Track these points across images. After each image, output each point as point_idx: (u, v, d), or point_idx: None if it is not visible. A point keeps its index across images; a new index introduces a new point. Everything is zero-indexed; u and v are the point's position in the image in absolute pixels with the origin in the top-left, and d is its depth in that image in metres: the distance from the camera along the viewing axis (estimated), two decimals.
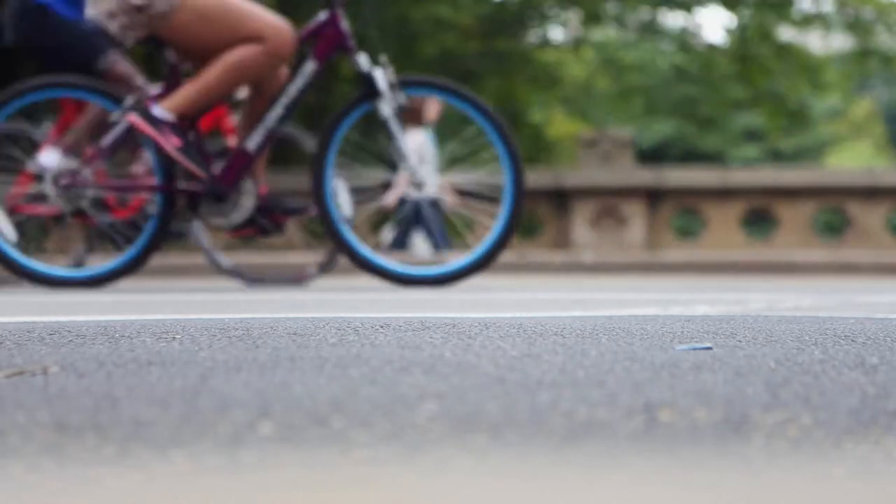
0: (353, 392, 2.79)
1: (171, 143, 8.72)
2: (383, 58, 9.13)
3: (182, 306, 7.41)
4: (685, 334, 3.99)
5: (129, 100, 8.85)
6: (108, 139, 8.95)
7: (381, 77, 9.04)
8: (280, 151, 22.88)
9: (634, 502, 2.02)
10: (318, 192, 9.15)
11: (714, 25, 62.17)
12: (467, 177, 11.25)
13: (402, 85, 9.06)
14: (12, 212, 9.48)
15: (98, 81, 9.06)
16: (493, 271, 13.69)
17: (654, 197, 18.09)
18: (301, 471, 2.21)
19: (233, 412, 2.59)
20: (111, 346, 3.70)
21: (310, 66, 9.13)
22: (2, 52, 18.44)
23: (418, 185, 9.70)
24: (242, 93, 9.48)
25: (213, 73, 8.72)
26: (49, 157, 9.12)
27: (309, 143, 10.37)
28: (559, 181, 18.08)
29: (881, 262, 14.52)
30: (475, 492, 2.07)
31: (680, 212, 18.93)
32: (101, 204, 9.38)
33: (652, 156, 37.78)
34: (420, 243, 15.96)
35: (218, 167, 9.02)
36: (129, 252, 9.37)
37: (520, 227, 18.40)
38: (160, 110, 8.74)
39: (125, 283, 9.96)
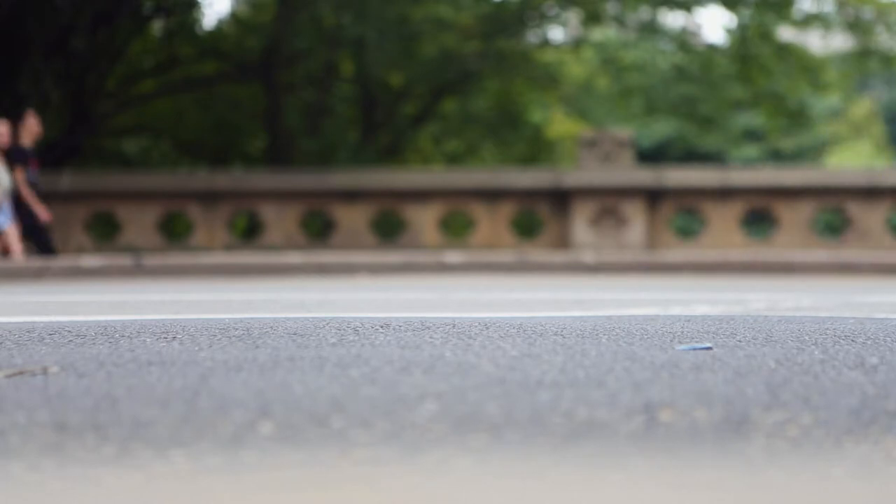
0: (353, 392, 2.79)
1: None
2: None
3: (182, 306, 7.41)
4: (685, 334, 3.99)
5: None
6: None
7: None
8: (281, 151, 22.89)
9: (634, 502, 2.02)
10: None
11: (714, 25, 62.15)
12: None
13: None
14: None
15: None
16: (494, 271, 13.68)
17: (654, 197, 18.07)
18: (301, 471, 2.21)
19: (233, 412, 2.59)
20: (111, 346, 3.70)
21: None
22: (4, 44, 18.45)
23: None
24: None
25: None
26: None
27: None
28: (559, 181, 18.06)
29: (881, 262, 14.51)
30: (475, 492, 2.07)
31: (680, 212, 18.91)
32: None
33: (652, 156, 37.71)
34: None
35: None
36: None
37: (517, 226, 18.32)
38: None
39: (125, 283, 9.95)
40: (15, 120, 14.60)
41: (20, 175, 13.97)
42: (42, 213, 14.00)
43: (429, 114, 26.24)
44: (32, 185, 14.14)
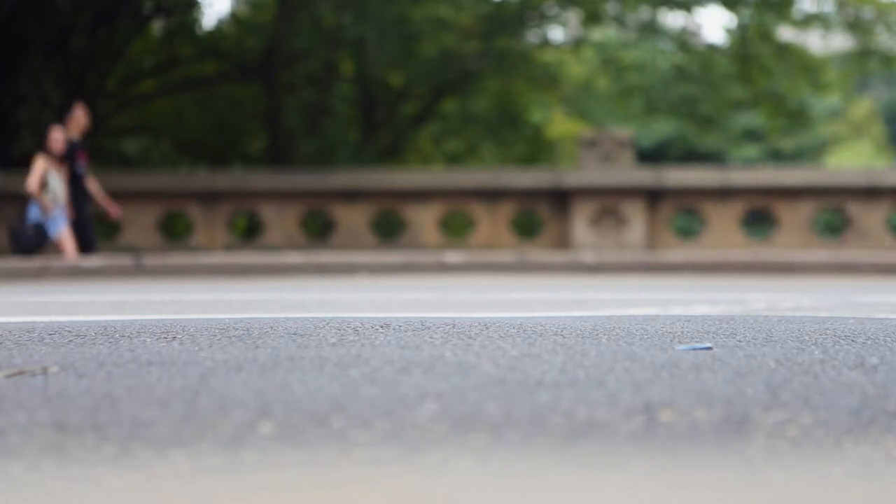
0: (353, 392, 2.79)
1: None
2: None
3: (182, 306, 7.41)
4: (685, 334, 3.99)
5: None
6: None
7: None
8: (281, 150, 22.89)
9: (634, 502, 2.02)
10: None
11: (714, 25, 62.21)
12: None
13: None
14: None
15: None
16: (494, 271, 13.68)
17: (654, 197, 18.07)
18: (301, 471, 2.21)
19: (233, 412, 2.59)
20: (111, 346, 3.70)
21: None
22: (4, 44, 18.46)
23: None
24: None
25: None
26: None
27: None
28: (559, 181, 18.06)
29: (881, 262, 14.51)
30: (475, 492, 2.07)
31: (680, 212, 18.91)
32: None
33: (652, 156, 37.70)
34: None
35: None
36: None
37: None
38: None
39: (125, 283, 9.95)
40: (61, 119, 14.89)
41: (65, 171, 14.12)
42: (69, 213, 14.13)
43: (429, 114, 26.23)
44: (79, 178, 14.29)
